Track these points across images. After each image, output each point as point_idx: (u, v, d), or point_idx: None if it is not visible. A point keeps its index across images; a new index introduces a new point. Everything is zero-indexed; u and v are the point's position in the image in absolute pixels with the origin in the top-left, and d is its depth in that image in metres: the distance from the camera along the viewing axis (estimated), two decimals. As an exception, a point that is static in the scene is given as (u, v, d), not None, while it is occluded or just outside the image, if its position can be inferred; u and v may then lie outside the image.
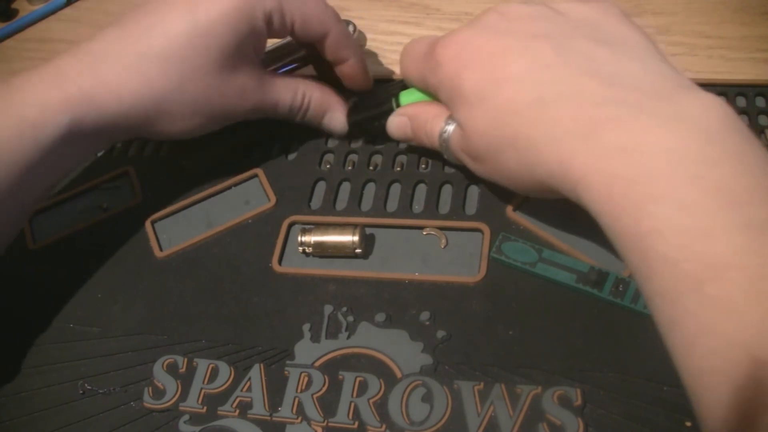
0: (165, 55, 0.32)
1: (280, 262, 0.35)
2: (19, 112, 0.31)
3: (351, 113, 0.38)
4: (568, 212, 0.34)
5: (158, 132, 0.35)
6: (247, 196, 0.39)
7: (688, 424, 0.27)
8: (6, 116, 0.30)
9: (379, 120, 0.37)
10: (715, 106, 0.23)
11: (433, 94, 0.33)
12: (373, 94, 0.38)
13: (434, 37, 0.32)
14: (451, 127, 0.32)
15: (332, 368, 0.31)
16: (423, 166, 0.38)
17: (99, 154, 0.43)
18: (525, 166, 0.27)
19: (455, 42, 0.30)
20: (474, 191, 0.36)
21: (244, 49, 0.34)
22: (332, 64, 0.38)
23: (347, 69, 0.38)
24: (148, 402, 0.31)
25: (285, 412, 0.30)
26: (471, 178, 0.37)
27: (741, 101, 0.37)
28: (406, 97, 0.36)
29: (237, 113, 0.36)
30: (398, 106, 0.36)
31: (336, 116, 0.38)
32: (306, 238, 0.34)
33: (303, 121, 0.38)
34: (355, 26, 0.45)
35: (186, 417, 0.30)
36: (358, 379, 0.30)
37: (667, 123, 0.23)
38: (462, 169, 0.37)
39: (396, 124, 0.35)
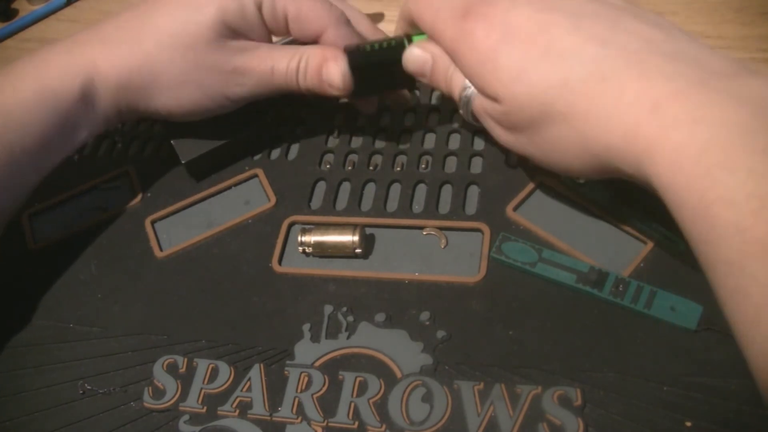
0: (160, 36, 0.35)
1: (280, 262, 0.35)
2: (41, 79, 0.34)
3: (352, 56, 0.35)
4: (568, 212, 0.34)
5: (157, 106, 0.36)
6: (247, 196, 0.39)
7: (688, 424, 0.27)
8: (31, 81, 0.34)
9: (387, 67, 0.34)
10: None
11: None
12: (378, 42, 0.35)
13: None
14: (473, 89, 0.31)
15: (332, 368, 0.31)
16: (423, 166, 0.38)
17: (100, 153, 0.43)
18: (578, 139, 0.27)
19: (494, 12, 0.29)
20: (474, 191, 0.36)
21: (238, 31, 0.35)
22: None
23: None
24: (148, 402, 0.31)
25: (285, 412, 0.30)
26: (471, 178, 0.37)
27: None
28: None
29: (233, 86, 0.36)
30: None
31: (331, 66, 0.35)
32: (306, 238, 0.34)
33: (306, 88, 0.36)
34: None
35: (186, 417, 0.30)
36: (358, 379, 0.30)
37: (735, 99, 0.23)
38: (462, 169, 0.37)
39: (416, 57, 0.33)
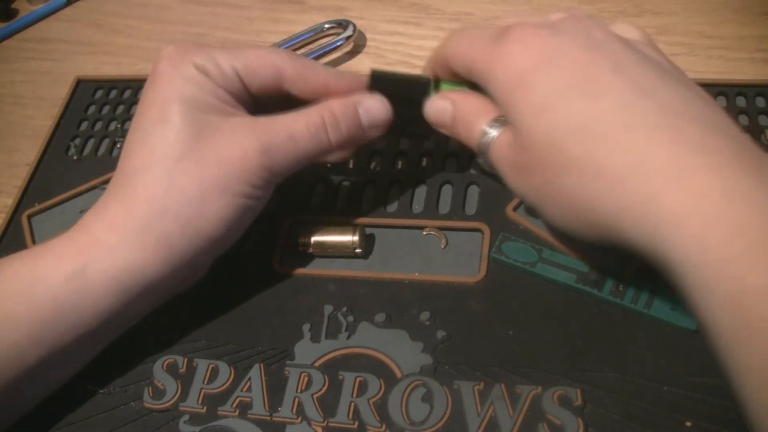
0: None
1: (280, 262, 0.35)
2: (32, 263, 0.29)
3: (378, 80, 0.32)
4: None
5: (200, 251, 0.31)
6: (247, 196, 0.38)
7: (688, 424, 0.27)
8: (18, 265, 0.29)
9: (409, 103, 0.32)
10: None
11: (481, 89, 0.30)
12: (404, 74, 0.34)
13: (497, 27, 0.29)
14: (494, 132, 0.29)
15: (332, 368, 0.31)
16: (423, 166, 0.38)
17: (100, 153, 0.43)
18: (589, 193, 0.24)
19: (534, 36, 0.27)
20: (474, 191, 0.36)
21: (211, 105, 0.30)
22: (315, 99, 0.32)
23: (334, 90, 0.32)
24: (148, 402, 0.31)
25: (285, 412, 0.30)
26: (471, 178, 0.37)
27: (741, 101, 0.37)
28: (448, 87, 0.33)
29: (256, 173, 0.30)
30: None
31: (368, 102, 0.32)
32: (306, 239, 0.34)
33: (341, 141, 0.32)
34: (354, 26, 0.45)
35: (186, 417, 0.30)
36: (358, 379, 0.30)
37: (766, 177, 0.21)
38: (462, 169, 0.37)
39: (438, 107, 0.32)
